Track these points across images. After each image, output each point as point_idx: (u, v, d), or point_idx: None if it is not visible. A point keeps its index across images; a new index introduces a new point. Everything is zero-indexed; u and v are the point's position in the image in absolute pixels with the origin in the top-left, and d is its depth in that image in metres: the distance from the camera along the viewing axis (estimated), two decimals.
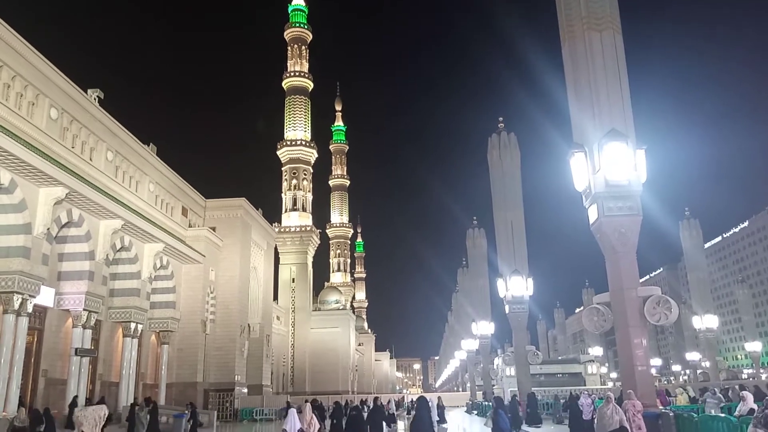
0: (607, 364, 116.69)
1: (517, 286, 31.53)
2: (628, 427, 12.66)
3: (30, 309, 25.24)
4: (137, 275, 34.99)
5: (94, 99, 33.12)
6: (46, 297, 27.61)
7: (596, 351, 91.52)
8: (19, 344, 24.39)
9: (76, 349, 28.84)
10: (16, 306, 24.28)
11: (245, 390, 47.35)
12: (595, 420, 13.27)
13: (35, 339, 27.89)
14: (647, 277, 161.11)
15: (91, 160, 31.99)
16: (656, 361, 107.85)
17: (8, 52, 25.82)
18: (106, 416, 19.67)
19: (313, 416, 15.36)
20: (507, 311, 32.12)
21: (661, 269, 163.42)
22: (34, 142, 25.52)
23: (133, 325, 34.26)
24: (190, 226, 44.84)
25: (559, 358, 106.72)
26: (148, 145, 39.51)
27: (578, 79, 16.80)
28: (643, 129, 20.92)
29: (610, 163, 15.23)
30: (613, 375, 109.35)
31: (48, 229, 26.08)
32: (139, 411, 23.38)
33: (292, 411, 16.43)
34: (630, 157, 15.28)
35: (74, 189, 26.98)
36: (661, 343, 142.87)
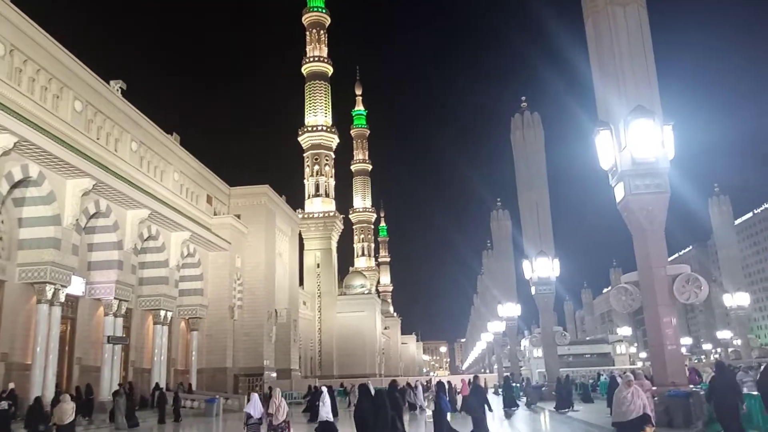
0: (636, 344, 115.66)
1: (543, 268, 31.31)
2: (650, 414, 10.67)
3: (62, 298, 25.80)
4: (165, 263, 35.52)
5: (117, 90, 33.44)
6: (77, 287, 28.20)
7: (625, 331, 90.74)
8: (53, 333, 24.99)
9: (109, 336, 29.45)
10: (49, 296, 24.85)
11: (274, 374, 48.00)
12: (612, 406, 11.12)
13: (69, 328, 28.54)
14: (676, 255, 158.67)
15: (116, 151, 32.39)
16: (686, 340, 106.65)
17: (32, 47, 26.15)
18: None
19: (283, 400, 15.49)
20: (533, 293, 31.96)
21: (690, 247, 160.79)
22: (60, 134, 25.89)
23: (162, 313, 34.86)
24: (215, 214, 45.29)
25: (587, 338, 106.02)
26: (172, 135, 39.87)
27: (602, 55, 16.49)
28: (670, 104, 20.47)
29: (636, 140, 14.95)
30: (643, 355, 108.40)
31: (77, 220, 26.54)
32: (118, 398, 23.60)
33: (255, 396, 16.94)
34: (657, 134, 14.98)
35: (101, 180, 27.38)
36: (691, 321, 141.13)
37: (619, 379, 18.90)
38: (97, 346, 29.68)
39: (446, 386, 15.69)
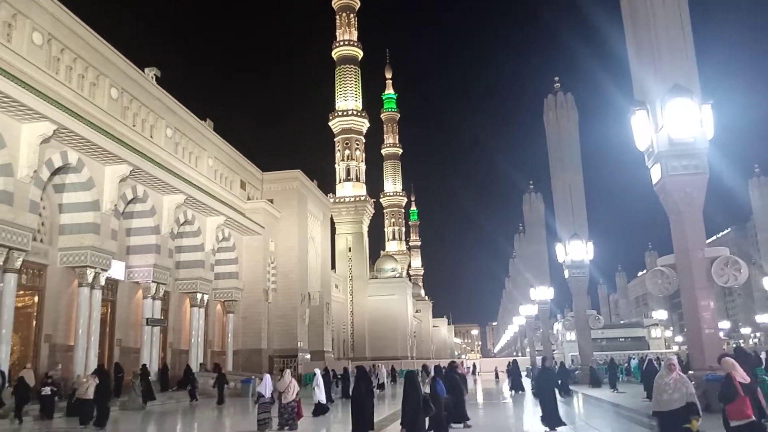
0: (671, 328, 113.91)
1: (576, 251, 30.97)
2: (698, 403, 9.30)
3: (102, 282, 26.55)
4: (201, 248, 36.20)
5: (152, 77, 33.95)
6: (117, 270, 28.96)
7: (660, 314, 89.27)
8: (94, 315, 25.78)
9: (147, 319, 30.23)
10: (90, 279, 25.59)
11: (308, 356, 48.70)
12: (653, 393, 9.88)
13: (109, 310, 29.35)
14: (714, 237, 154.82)
15: (151, 137, 32.98)
16: (724, 324, 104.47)
17: (69, 36, 26.69)
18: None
19: (293, 380, 16.12)
20: (566, 276, 31.67)
21: (729, 229, 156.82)
22: (97, 121, 26.46)
23: (199, 296, 35.60)
24: (248, 198, 45.89)
25: (621, 322, 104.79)
26: (205, 121, 40.40)
27: (638, 33, 16.09)
28: (709, 83, 19.92)
29: (673, 120, 14.60)
30: (679, 338, 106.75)
31: (115, 205, 27.21)
32: (134, 380, 24.09)
33: (267, 376, 17.57)
34: (695, 113, 14.61)
35: (138, 166, 27.97)
36: (729, 305, 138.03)
37: (655, 364, 18.24)
38: (137, 328, 30.51)
39: (442, 370, 15.66)
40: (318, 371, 20.78)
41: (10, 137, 21.33)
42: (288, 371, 17.06)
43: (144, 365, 27.26)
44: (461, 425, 15.19)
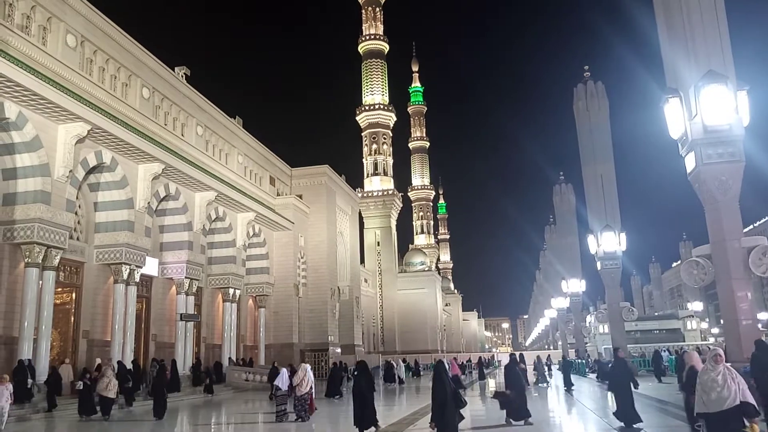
0: (707, 319, 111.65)
1: (609, 242, 30.51)
2: (754, 402, 7.91)
3: (137, 278, 27.11)
4: (232, 243, 36.69)
5: (182, 76, 34.43)
6: (151, 267, 29.51)
7: (696, 306, 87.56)
8: (129, 311, 26.35)
9: (181, 314, 30.77)
10: (125, 276, 26.14)
11: (338, 349, 49.02)
12: (696, 393, 8.37)
13: (144, 306, 29.97)
14: (751, 227, 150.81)
15: (182, 135, 33.48)
16: (762, 315, 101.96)
17: (102, 38, 27.21)
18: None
19: (309, 373, 16.66)
20: (599, 268, 31.23)
21: (766, 218, 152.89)
22: (130, 121, 26.98)
23: (231, 291, 36.09)
24: (278, 194, 46.32)
25: (656, 314, 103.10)
26: (234, 119, 40.84)
27: (671, 18, 15.74)
28: (745, 68, 19.40)
29: (708, 107, 14.26)
30: (715, 330, 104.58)
31: (148, 203, 27.72)
32: (151, 369, 24.43)
33: (284, 370, 18.15)
34: (731, 100, 14.24)
35: (170, 164, 28.44)
36: (767, 296, 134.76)
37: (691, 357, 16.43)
38: (171, 324, 31.07)
39: (447, 366, 15.32)
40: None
41: (46, 138, 21.88)
42: (303, 365, 17.47)
43: (154, 359, 26.80)
44: (522, 422, 14.44)
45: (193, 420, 20.07)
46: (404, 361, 44.20)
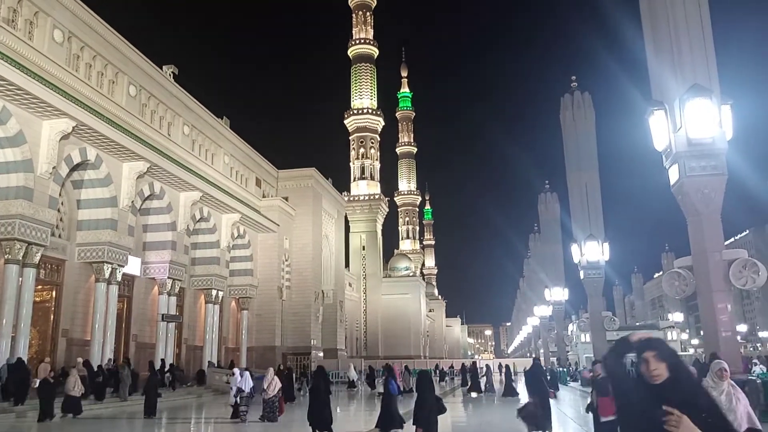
0: (688, 330, 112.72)
1: (592, 251, 30.71)
2: (757, 421, 6.50)
3: (119, 278, 26.84)
4: (216, 244, 36.45)
5: (169, 75, 34.23)
6: (133, 266, 29.24)
7: (677, 317, 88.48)
8: (110, 310, 26.07)
9: (163, 315, 30.50)
10: (107, 275, 25.86)
11: (321, 353, 48.82)
12: None
13: (125, 306, 29.67)
14: (732, 239, 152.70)
15: (169, 134, 33.24)
16: (741, 327, 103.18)
17: (89, 33, 26.98)
18: None
19: (275, 378, 17.24)
20: (582, 277, 31.41)
21: (747, 231, 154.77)
22: (116, 118, 26.74)
23: (214, 292, 35.83)
24: (263, 196, 46.11)
25: (637, 324, 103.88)
26: (222, 119, 40.64)
27: (657, 31, 15.93)
28: (729, 82, 19.66)
29: (692, 120, 14.43)
30: (695, 341, 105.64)
31: (132, 201, 27.48)
32: (122, 370, 23.98)
33: (246, 373, 18.92)
34: (715, 114, 14.43)
35: (155, 163, 28.23)
36: (747, 308, 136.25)
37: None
38: (152, 324, 30.78)
39: (394, 371, 15.71)
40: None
41: (30, 133, 21.63)
42: (271, 369, 18.24)
43: (126, 358, 26.25)
44: None
45: (173, 418, 19.98)
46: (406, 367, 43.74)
